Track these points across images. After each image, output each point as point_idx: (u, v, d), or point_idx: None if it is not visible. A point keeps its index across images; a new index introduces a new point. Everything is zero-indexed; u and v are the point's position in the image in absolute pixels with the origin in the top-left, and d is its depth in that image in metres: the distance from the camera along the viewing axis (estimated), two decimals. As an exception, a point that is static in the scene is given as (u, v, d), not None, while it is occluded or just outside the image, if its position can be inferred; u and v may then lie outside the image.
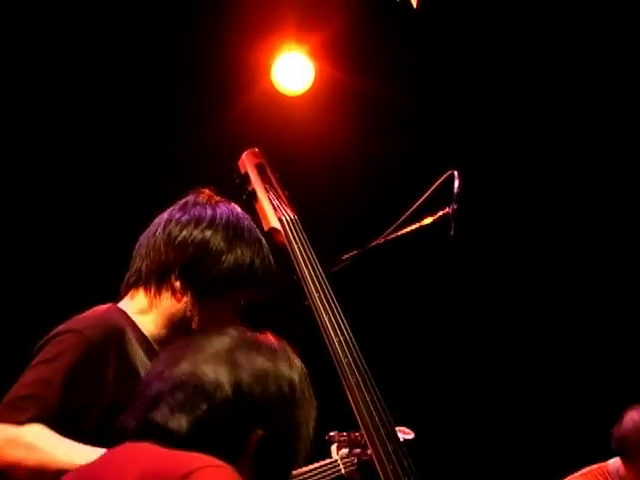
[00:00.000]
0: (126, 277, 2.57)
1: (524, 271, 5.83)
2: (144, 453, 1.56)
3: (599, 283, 5.71)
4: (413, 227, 2.67)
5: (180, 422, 1.58)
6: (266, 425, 1.61)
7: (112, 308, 2.52)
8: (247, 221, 2.52)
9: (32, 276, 5.07)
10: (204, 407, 1.59)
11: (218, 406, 1.59)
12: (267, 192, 2.57)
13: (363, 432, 2.11)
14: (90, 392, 2.34)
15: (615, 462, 4.34)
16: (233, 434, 1.59)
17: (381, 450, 2.07)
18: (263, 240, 2.53)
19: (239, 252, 2.46)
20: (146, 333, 2.52)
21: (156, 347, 2.50)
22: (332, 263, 2.60)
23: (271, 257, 2.53)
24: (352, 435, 3.61)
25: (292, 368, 1.70)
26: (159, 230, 2.54)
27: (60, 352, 2.36)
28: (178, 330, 2.51)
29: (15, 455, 2.23)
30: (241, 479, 1.49)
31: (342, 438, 3.56)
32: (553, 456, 5.21)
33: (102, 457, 1.65)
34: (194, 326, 2.51)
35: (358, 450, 3.53)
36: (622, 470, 4.28)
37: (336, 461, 3.54)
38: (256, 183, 2.59)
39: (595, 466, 4.40)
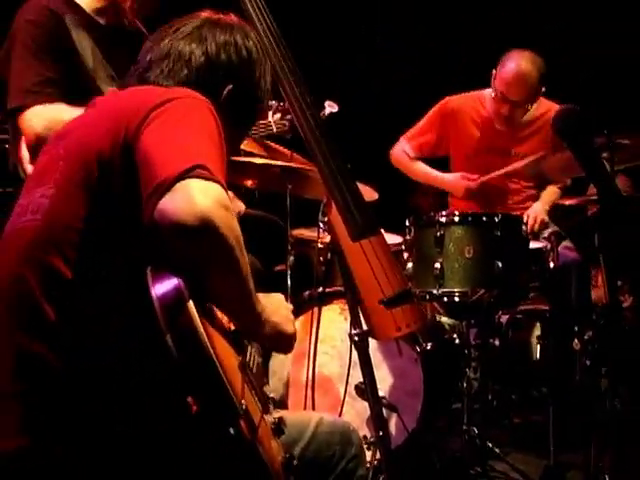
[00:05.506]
0: None
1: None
2: (140, 90, 1.86)
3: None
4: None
5: (169, 84, 1.88)
6: (233, 81, 1.93)
7: None
8: None
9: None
10: (185, 72, 1.89)
11: (195, 70, 1.90)
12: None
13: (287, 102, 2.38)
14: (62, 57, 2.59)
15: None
16: (210, 89, 1.86)
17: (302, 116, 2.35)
18: None
19: None
20: (88, 10, 2.70)
21: (99, 20, 2.72)
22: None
23: None
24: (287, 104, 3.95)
25: (247, 39, 2.00)
26: None
27: (25, 41, 2.56)
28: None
29: (41, 125, 2.48)
30: (217, 115, 1.72)
31: (279, 107, 3.90)
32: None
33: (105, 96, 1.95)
34: None
35: (290, 116, 3.85)
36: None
37: (269, 122, 3.87)
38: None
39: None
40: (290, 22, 2.69)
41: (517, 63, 4.20)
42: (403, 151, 4.65)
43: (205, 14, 2.00)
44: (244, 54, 1.95)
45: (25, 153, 2.57)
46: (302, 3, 5.27)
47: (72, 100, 2.55)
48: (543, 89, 4.28)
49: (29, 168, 2.52)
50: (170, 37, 1.93)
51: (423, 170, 4.61)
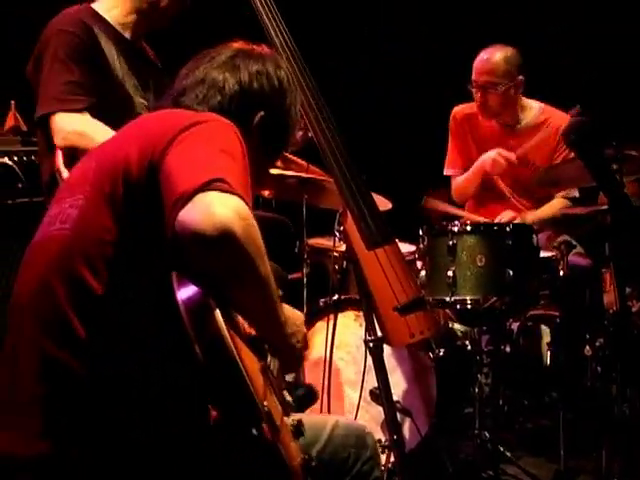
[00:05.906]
0: None
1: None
2: (170, 113, 1.91)
3: None
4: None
5: (202, 109, 1.91)
6: (265, 109, 1.96)
7: (84, 8, 2.80)
8: None
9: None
10: (218, 99, 1.92)
11: (228, 97, 1.93)
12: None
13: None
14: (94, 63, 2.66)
15: None
16: (241, 116, 1.90)
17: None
18: None
19: None
20: (113, 23, 2.77)
21: (125, 34, 2.79)
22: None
23: None
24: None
25: (279, 69, 2.03)
26: None
27: (57, 49, 2.64)
28: (144, 14, 2.80)
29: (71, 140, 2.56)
30: (242, 139, 1.74)
31: None
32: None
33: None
34: (162, 4, 2.78)
35: (300, 132, 3.75)
36: None
37: None
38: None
39: None
40: (293, 24, 2.76)
41: (484, 51, 4.34)
42: (452, 179, 4.61)
43: (237, 45, 2.04)
44: (275, 83, 1.99)
45: (62, 164, 2.60)
46: (305, 4, 5.24)
47: (107, 110, 2.60)
48: (520, 77, 4.31)
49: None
50: (204, 65, 1.97)
51: (463, 178, 4.53)
